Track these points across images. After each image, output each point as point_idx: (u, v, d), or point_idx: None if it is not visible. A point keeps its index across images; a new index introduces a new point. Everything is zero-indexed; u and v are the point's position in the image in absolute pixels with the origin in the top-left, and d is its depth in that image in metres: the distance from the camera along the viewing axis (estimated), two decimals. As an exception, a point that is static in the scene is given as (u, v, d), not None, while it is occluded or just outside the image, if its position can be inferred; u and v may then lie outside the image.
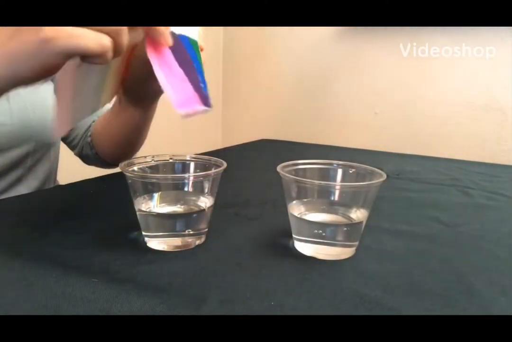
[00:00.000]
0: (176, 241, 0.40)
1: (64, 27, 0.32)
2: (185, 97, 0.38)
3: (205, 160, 0.44)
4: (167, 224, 0.41)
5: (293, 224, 0.41)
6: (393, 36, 1.50)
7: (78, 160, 0.77)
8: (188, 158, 0.45)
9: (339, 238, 0.39)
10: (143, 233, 0.41)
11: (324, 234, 0.38)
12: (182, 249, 0.40)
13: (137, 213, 0.41)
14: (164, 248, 0.40)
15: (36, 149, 0.65)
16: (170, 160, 0.45)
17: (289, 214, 0.41)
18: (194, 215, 0.42)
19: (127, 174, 0.39)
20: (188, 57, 0.39)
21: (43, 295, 0.31)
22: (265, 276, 0.35)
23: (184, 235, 0.40)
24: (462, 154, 1.03)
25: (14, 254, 0.38)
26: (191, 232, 0.40)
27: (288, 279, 0.35)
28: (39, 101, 0.64)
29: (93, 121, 0.72)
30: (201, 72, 0.39)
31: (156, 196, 0.41)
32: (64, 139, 0.75)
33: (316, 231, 0.39)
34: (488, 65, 1.39)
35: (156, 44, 0.38)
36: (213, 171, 0.41)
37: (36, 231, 0.43)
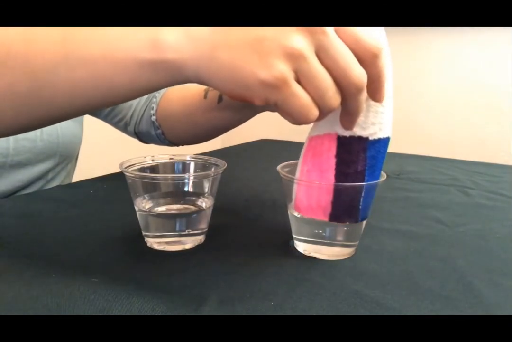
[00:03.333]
0: (176, 241, 0.40)
1: (293, 84, 0.28)
2: (309, 205, 0.36)
3: (205, 160, 0.44)
4: (167, 224, 0.41)
5: (293, 224, 0.41)
6: (393, 36, 1.50)
7: (79, 161, 0.77)
8: (188, 158, 0.45)
9: (339, 238, 0.39)
10: (143, 233, 0.41)
11: (324, 234, 0.38)
12: (182, 249, 0.40)
13: (137, 213, 0.41)
14: (164, 248, 0.40)
15: (58, 164, 0.66)
16: (170, 161, 0.45)
17: (289, 214, 0.41)
18: (194, 215, 0.42)
19: (127, 174, 0.39)
20: (362, 168, 0.34)
21: (43, 295, 0.31)
22: (265, 276, 0.35)
23: (184, 235, 0.40)
24: (462, 154, 1.02)
25: (14, 254, 0.38)
26: (191, 232, 0.40)
27: (288, 279, 0.35)
28: None
29: (154, 98, 0.66)
30: (372, 188, 0.36)
31: (156, 196, 0.41)
32: (107, 117, 0.69)
33: (316, 231, 0.39)
34: (488, 65, 1.39)
35: (322, 145, 0.34)
36: (213, 170, 0.41)
37: (35, 230, 0.43)
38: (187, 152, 0.47)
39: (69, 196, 0.56)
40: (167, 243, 0.40)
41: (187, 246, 0.40)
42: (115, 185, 0.59)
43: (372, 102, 0.33)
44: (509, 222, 0.51)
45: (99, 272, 0.35)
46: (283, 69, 0.27)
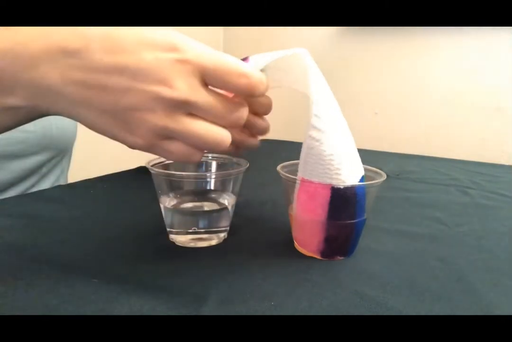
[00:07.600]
0: (202, 238, 0.41)
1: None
2: (305, 243, 0.39)
3: (227, 160, 0.45)
4: (190, 221, 0.42)
5: (293, 223, 0.41)
6: (393, 36, 1.50)
7: (79, 160, 0.77)
8: (210, 157, 0.46)
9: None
10: (168, 229, 0.42)
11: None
12: (208, 245, 0.41)
13: (162, 210, 0.42)
14: (195, 244, 0.41)
15: (53, 157, 0.66)
16: None
17: (289, 214, 0.41)
18: (216, 213, 0.42)
19: (152, 171, 0.39)
20: (352, 210, 0.37)
21: (43, 295, 0.31)
22: (265, 276, 0.35)
23: (206, 232, 0.41)
24: (462, 154, 1.02)
25: (14, 254, 0.38)
26: (214, 229, 0.41)
27: (288, 279, 0.35)
28: None
29: None
30: (361, 225, 0.38)
31: (180, 193, 0.42)
32: None
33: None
34: (488, 66, 1.39)
35: (316, 192, 0.36)
36: (235, 170, 0.41)
37: (35, 230, 0.43)
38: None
39: (69, 196, 0.56)
40: (195, 239, 0.41)
41: (213, 242, 0.41)
42: (115, 185, 0.59)
43: (355, 151, 0.37)
44: (509, 222, 0.51)
45: (99, 272, 0.35)
46: (147, 136, 0.29)
